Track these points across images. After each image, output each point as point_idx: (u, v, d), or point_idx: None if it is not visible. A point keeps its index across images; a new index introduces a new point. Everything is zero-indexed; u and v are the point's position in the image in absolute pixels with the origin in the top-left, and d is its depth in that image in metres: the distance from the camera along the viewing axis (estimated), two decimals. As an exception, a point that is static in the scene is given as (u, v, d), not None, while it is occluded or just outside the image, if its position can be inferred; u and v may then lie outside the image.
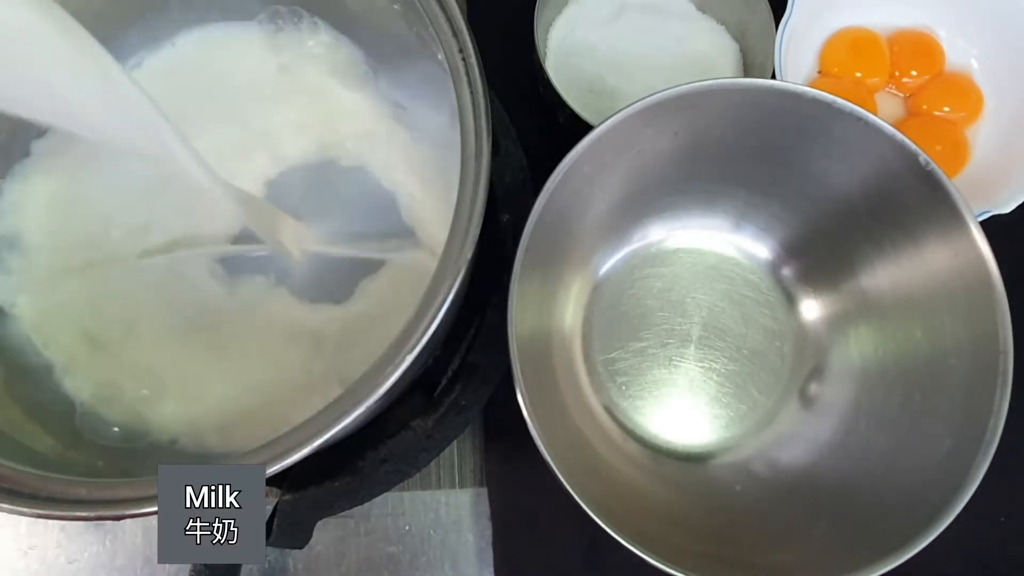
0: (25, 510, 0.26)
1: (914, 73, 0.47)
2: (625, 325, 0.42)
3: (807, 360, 0.42)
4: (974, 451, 0.31)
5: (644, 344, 0.42)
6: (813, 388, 0.41)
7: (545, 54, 0.47)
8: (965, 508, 0.30)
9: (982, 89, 0.47)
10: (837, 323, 0.41)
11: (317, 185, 0.39)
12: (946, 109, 0.47)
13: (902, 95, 0.48)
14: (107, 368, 0.36)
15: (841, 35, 0.48)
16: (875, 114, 0.33)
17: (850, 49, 0.48)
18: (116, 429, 0.35)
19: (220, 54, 0.40)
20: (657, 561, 0.30)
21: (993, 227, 0.37)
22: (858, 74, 0.47)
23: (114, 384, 0.36)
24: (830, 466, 0.37)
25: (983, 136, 0.47)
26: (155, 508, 0.26)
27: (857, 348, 0.40)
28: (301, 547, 0.36)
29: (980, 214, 0.41)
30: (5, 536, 0.43)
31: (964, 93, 0.47)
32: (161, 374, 0.36)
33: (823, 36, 0.48)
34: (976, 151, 0.46)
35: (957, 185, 0.33)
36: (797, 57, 0.46)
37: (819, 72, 0.48)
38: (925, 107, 0.47)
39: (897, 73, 0.48)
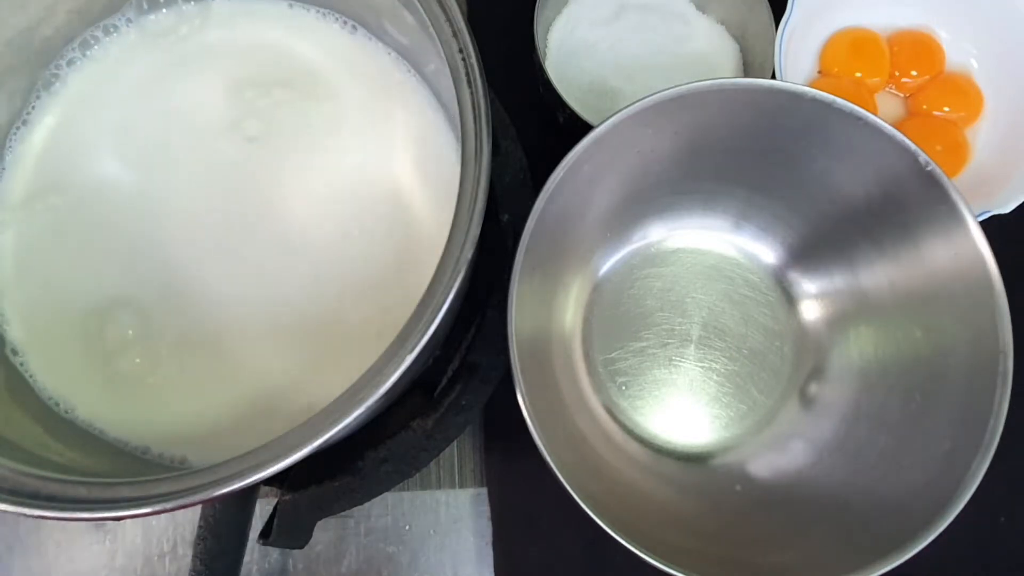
0: (25, 510, 0.26)
1: (914, 73, 0.48)
2: (625, 325, 0.42)
3: (807, 360, 0.42)
4: (974, 451, 0.31)
5: (644, 344, 0.42)
6: (813, 388, 0.41)
7: (545, 54, 0.47)
8: (965, 508, 0.30)
9: (982, 89, 0.47)
10: (837, 323, 0.41)
11: (320, 180, 0.39)
12: (946, 109, 0.47)
13: (902, 95, 0.48)
14: (102, 375, 0.36)
15: (841, 35, 0.48)
16: (875, 114, 0.33)
17: (850, 49, 0.48)
18: (113, 437, 0.35)
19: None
20: (657, 561, 0.30)
21: (993, 227, 0.37)
22: (858, 74, 0.47)
23: (109, 392, 0.36)
24: (830, 466, 0.37)
25: (983, 136, 0.47)
26: (155, 508, 0.26)
27: (857, 348, 0.40)
28: (301, 547, 0.36)
29: (980, 214, 0.41)
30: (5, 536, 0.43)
31: (964, 93, 0.47)
32: (154, 381, 0.36)
33: (823, 36, 0.48)
34: (976, 151, 0.46)
35: (957, 185, 0.33)
36: (797, 57, 0.46)
37: (819, 72, 0.48)
38: (925, 107, 0.47)
39: (897, 73, 0.48)
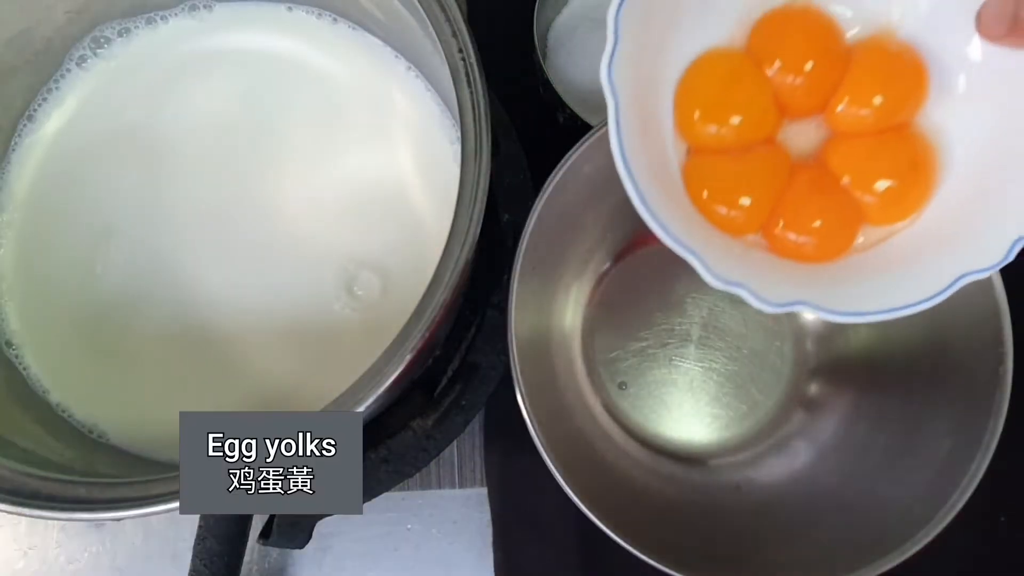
0: (25, 510, 0.26)
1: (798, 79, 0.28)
2: (625, 325, 0.42)
3: (807, 360, 0.42)
4: (974, 451, 0.31)
5: (644, 344, 0.42)
6: (813, 388, 0.41)
7: (545, 54, 0.47)
8: (965, 508, 0.30)
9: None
10: (837, 323, 0.41)
11: (320, 180, 0.39)
12: (878, 100, 0.27)
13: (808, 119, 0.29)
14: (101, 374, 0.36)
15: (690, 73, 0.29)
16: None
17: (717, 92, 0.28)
18: (109, 436, 0.35)
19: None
20: (656, 561, 0.30)
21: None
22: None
23: (107, 392, 0.36)
24: (830, 466, 0.37)
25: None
26: (155, 508, 0.26)
27: (857, 348, 0.40)
28: (301, 547, 0.36)
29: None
30: (5, 536, 0.43)
31: (896, 67, 0.28)
32: (151, 382, 0.36)
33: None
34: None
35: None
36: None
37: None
38: (848, 111, 0.28)
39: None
